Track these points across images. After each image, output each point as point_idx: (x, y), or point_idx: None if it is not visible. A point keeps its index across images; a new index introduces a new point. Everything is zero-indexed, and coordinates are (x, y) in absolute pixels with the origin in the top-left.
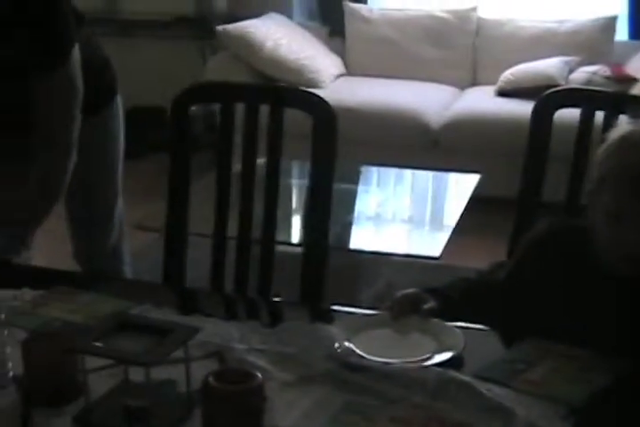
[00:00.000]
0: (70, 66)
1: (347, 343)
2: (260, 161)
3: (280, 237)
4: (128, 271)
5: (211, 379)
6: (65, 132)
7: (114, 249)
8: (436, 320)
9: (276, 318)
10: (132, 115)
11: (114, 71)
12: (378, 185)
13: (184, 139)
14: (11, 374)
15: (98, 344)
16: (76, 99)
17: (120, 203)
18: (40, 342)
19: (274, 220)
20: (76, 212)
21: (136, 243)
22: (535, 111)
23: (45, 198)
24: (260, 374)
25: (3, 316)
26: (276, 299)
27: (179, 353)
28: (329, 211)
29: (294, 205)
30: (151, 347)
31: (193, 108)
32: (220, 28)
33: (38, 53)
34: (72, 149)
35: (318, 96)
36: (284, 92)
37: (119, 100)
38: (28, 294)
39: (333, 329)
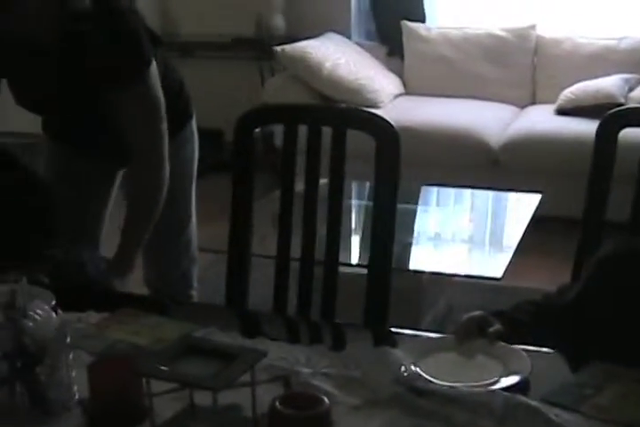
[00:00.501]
0: (150, 80)
1: (413, 367)
2: (323, 181)
3: (343, 258)
4: (195, 295)
5: (277, 404)
6: (153, 147)
7: (183, 274)
8: (502, 344)
9: (340, 341)
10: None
11: (188, 94)
12: (437, 205)
13: (247, 160)
14: (76, 397)
15: (164, 368)
16: (160, 113)
17: (192, 228)
18: (106, 365)
19: (337, 241)
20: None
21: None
22: (599, 131)
23: (143, 218)
24: (326, 399)
25: (68, 339)
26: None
27: (244, 377)
28: (393, 232)
29: (357, 225)
30: (218, 371)
31: (257, 129)
32: (278, 48)
33: (118, 68)
34: (163, 165)
35: (382, 118)
36: (347, 113)
37: (194, 123)
38: (92, 316)
39: (399, 353)
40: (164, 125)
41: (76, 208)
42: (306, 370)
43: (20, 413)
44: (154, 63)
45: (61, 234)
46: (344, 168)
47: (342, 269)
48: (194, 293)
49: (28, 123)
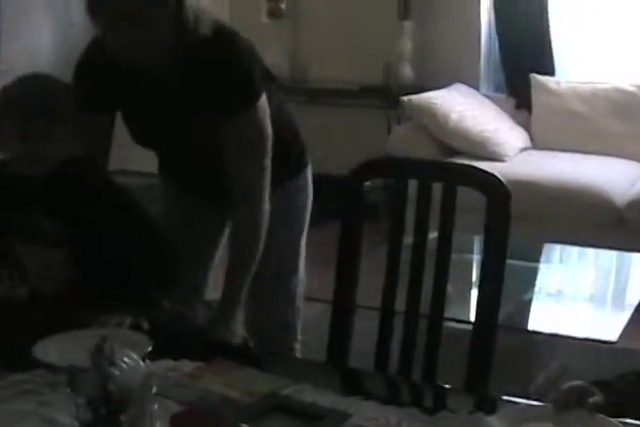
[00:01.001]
0: (258, 112)
1: None
2: (432, 235)
3: (449, 313)
4: (298, 348)
5: None
6: (254, 181)
7: (287, 325)
8: (601, 416)
9: (437, 404)
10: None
11: (303, 142)
12: (560, 262)
13: (358, 211)
14: None
15: (245, 426)
16: (265, 148)
17: (300, 279)
18: (189, 418)
19: (443, 295)
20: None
21: (305, 313)
22: None
23: (245, 257)
24: None
25: (154, 389)
26: None
27: None
28: (500, 289)
29: (465, 280)
30: None
31: (367, 183)
32: (405, 98)
33: (226, 95)
34: (264, 199)
35: (493, 175)
36: (457, 170)
37: (309, 171)
38: (187, 365)
39: (493, 421)
40: (268, 161)
41: (187, 252)
42: None
43: None
44: (264, 97)
45: (175, 281)
46: (453, 224)
47: (450, 324)
48: (297, 345)
49: (148, 162)
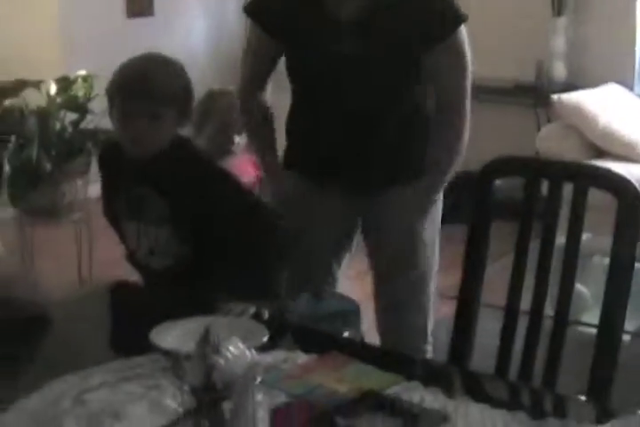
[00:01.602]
0: (462, 36)
1: None
2: (561, 236)
3: (573, 315)
4: (430, 350)
5: None
6: (458, 103)
7: (418, 329)
8: None
9: (546, 411)
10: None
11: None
12: None
13: (486, 210)
14: None
15: (341, 422)
16: (467, 72)
17: (432, 282)
18: (290, 410)
19: (569, 297)
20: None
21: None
22: None
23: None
24: None
25: (259, 379)
26: None
27: None
28: (627, 293)
29: (593, 283)
30: None
31: (498, 181)
32: (555, 96)
33: (436, 20)
34: (466, 126)
35: (623, 177)
36: (589, 171)
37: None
38: (300, 357)
39: None
40: (469, 83)
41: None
42: None
43: None
44: (464, 29)
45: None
46: (582, 225)
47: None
48: (429, 347)
49: None
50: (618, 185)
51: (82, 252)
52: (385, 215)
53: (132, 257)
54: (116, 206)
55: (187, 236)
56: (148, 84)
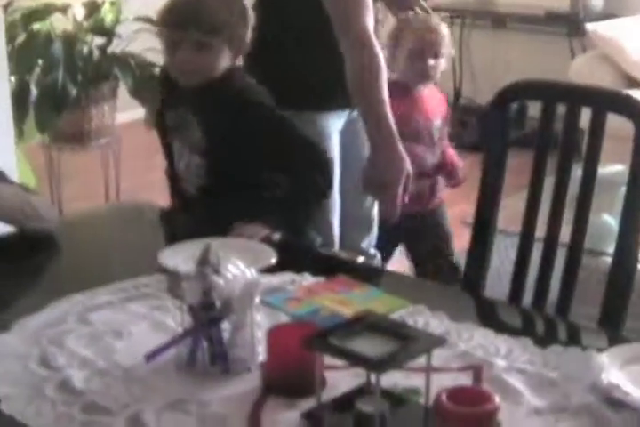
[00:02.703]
0: None
1: (614, 377)
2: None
3: (589, 244)
4: None
5: (443, 397)
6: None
7: None
8: None
9: (551, 338)
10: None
11: None
12: None
13: (501, 135)
14: (260, 358)
15: (335, 343)
16: None
17: None
18: (287, 330)
19: (584, 225)
20: None
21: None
22: None
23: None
24: (497, 399)
25: (257, 299)
26: None
27: (436, 362)
28: None
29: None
30: (388, 352)
31: (514, 104)
32: (590, 25)
33: None
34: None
35: None
36: (606, 96)
37: None
38: (307, 279)
39: (604, 358)
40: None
41: None
42: (502, 363)
43: (199, 369)
44: None
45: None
46: (600, 151)
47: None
48: None
49: None
50: (635, 111)
51: (109, 178)
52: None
53: (169, 171)
54: (166, 123)
55: (216, 167)
56: (194, 13)
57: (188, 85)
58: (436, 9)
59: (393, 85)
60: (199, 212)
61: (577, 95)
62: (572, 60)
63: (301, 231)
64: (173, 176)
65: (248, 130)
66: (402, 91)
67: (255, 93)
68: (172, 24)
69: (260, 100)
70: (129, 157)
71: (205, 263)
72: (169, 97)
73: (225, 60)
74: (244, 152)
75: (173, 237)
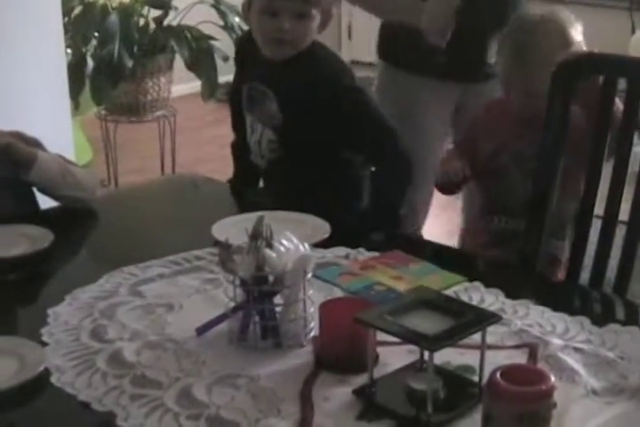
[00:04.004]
0: None
1: None
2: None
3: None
4: None
5: (497, 375)
6: None
7: None
8: None
9: (609, 317)
10: None
11: None
12: None
13: (564, 111)
14: (312, 334)
15: (389, 319)
16: None
17: None
18: (340, 305)
19: (619, 197)
20: None
21: None
22: None
23: None
24: (553, 378)
25: (309, 275)
26: None
27: (493, 340)
28: None
29: None
30: (442, 329)
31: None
32: None
33: None
34: None
35: None
36: None
37: None
38: (361, 254)
39: None
40: None
41: None
42: (558, 342)
43: (250, 343)
44: None
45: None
46: None
47: None
48: None
49: None
50: None
51: (164, 150)
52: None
53: (236, 146)
54: (240, 96)
55: (291, 142)
56: None
57: (276, 56)
58: None
59: None
60: (273, 184)
61: (638, 69)
62: (633, 34)
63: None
64: (243, 149)
65: (326, 104)
66: None
67: (336, 67)
68: None
69: (340, 73)
70: (184, 130)
71: (258, 237)
72: (245, 69)
73: (315, 32)
74: (320, 127)
75: (231, 210)
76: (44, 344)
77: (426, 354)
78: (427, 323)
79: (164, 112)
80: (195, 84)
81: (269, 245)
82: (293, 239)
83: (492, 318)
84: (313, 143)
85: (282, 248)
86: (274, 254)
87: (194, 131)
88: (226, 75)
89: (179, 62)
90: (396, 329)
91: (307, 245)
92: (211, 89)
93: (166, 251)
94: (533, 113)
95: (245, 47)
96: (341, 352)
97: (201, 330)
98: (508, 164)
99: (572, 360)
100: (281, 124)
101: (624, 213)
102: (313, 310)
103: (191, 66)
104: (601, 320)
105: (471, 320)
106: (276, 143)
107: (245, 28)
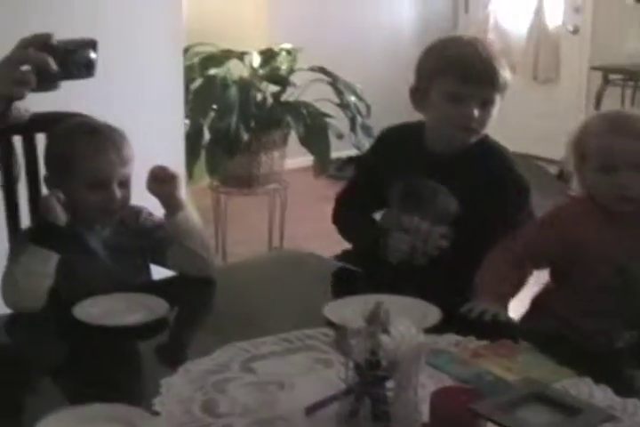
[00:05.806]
0: None
1: None
2: None
3: None
4: None
5: None
6: None
7: None
8: None
9: None
10: None
11: None
12: None
13: None
14: (422, 420)
15: (501, 411)
16: None
17: None
18: (451, 394)
19: None
20: None
21: None
22: None
23: None
24: None
25: (423, 360)
26: None
27: None
28: None
29: None
30: (555, 424)
31: None
32: None
33: None
34: None
35: None
36: None
37: None
38: (472, 342)
39: None
40: None
41: None
42: None
43: (360, 425)
44: None
45: None
46: None
47: None
48: None
49: None
50: None
51: (274, 223)
52: None
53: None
54: (381, 194)
55: (463, 237)
56: (493, 69)
57: (464, 143)
58: (609, 70)
59: None
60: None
61: None
62: None
63: None
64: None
65: (502, 196)
66: None
67: (509, 155)
68: (464, 77)
69: (513, 161)
70: (295, 204)
71: (375, 321)
72: (397, 164)
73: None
74: (491, 221)
75: (338, 290)
76: (156, 414)
77: None
78: (538, 417)
79: (276, 185)
80: (306, 159)
81: (386, 331)
82: (409, 325)
83: (605, 415)
84: (484, 238)
85: (397, 334)
86: (389, 340)
87: (304, 206)
88: (338, 151)
89: (292, 136)
90: (508, 422)
91: (421, 331)
92: (323, 165)
93: (277, 327)
94: None
95: (394, 138)
96: None
97: (311, 410)
98: None
99: None
100: (461, 218)
101: None
102: (423, 396)
103: (305, 141)
104: None
105: (584, 417)
106: (448, 239)
107: (361, 106)
